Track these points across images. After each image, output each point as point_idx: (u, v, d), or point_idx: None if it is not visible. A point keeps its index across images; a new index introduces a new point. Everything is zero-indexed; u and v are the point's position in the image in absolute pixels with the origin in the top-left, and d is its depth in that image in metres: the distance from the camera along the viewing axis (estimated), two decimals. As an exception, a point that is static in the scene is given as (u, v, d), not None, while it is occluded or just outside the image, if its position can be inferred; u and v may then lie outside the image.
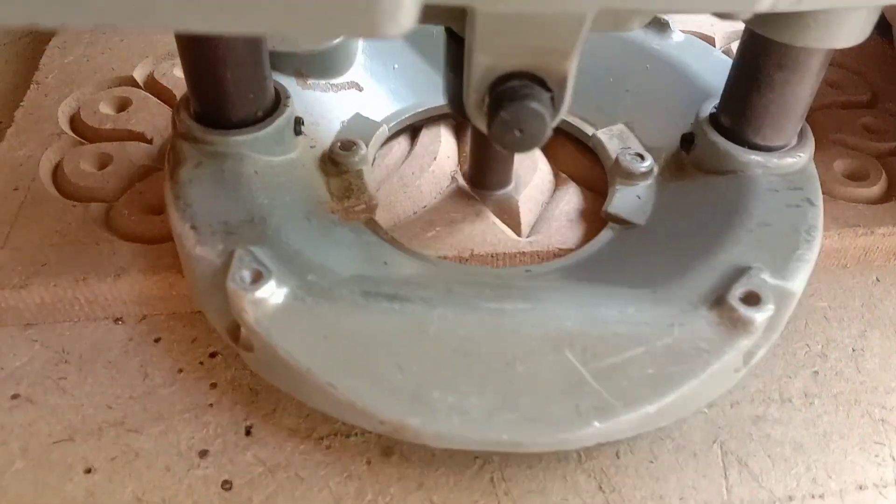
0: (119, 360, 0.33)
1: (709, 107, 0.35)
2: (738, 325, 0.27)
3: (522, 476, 0.30)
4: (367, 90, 0.40)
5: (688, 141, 0.35)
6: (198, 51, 0.31)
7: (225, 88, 0.31)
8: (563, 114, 0.26)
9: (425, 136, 0.41)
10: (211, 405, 0.32)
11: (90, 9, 0.18)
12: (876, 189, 0.39)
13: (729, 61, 0.38)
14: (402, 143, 0.41)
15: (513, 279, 0.31)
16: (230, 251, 0.28)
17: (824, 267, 0.38)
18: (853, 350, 0.35)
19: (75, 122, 0.42)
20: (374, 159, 0.38)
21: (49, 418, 0.31)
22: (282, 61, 0.38)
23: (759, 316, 0.27)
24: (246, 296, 0.27)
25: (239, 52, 0.31)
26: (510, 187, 0.38)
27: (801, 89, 0.31)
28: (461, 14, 0.24)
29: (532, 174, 0.39)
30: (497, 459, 0.30)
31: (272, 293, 0.27)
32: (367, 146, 0.36)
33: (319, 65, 0.39)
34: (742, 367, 0.29)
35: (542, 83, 0.25)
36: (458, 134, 0.42)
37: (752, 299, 0.28)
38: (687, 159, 0.35)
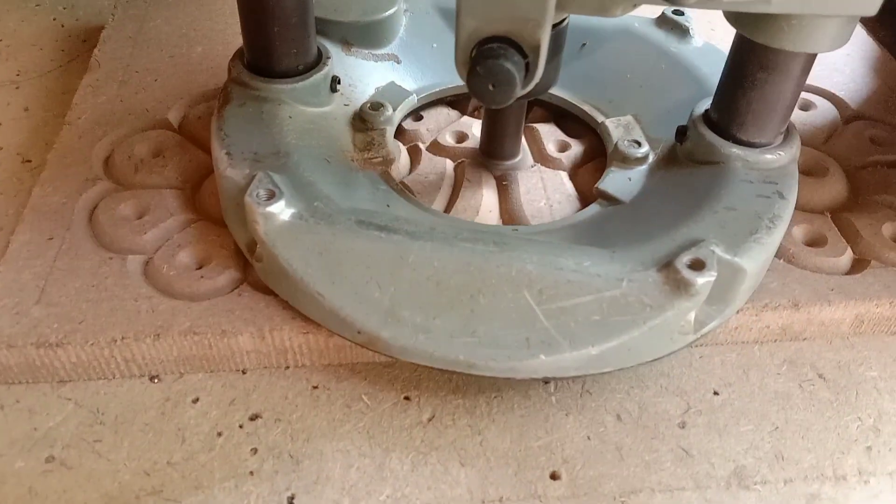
0: (156, 422, 0.33)
1: (704, 104, 0.38)
2: (680, 286, 0.30)
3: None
4: (405, 63, 0.44)
5: (681, 133, 0.38)
6: (252, 6, 0.35)
7: (271, 41, 0.36)
8: (537, 79, 0.30)
9: (467, 187, 0.40)
10: (251, 473, 0.31)
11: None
12: (926, 255, 0.38)
13: None
14: (445, 189, 0.41)
15: (500, 236, 0.34)
16: (254, 175, 0.33)
17: (873, 334, 0.37)
18: (906, 424, 0.34)
19: (109, 166, 0.41)
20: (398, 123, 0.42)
21: (85, 485, 0.30)
22: (330, 29, 0.42)
23: (700, 280, 0.30)
24: (258, 209, 0.31)
25: (286, 10, 0.35)
26: (518, 158, 0.42)
27: (782, 90, 0.34)
28: None
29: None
30: (547, 538, 0.29)
31: (281, 211, 0.32)
32: (394, 110, 0.40)
33: (364, 35, 0.43)
34: (692, 332, 0.32)
35: (519, 49, 0.29)
36: (500, 185, 0.42)
37: (696, 265, 0.31)
38: (680, 150, 0.38)
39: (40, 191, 0.39)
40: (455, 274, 0.31)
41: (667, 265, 0.31)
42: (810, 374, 0.35)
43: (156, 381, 0.34)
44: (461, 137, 0.43)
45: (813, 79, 0.46)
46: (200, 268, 0.35)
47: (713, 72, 0.41)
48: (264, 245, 0.32)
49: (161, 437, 0.32)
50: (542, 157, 0.42)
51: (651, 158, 0.39)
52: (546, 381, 0.34)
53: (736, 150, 0.35)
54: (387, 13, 0.43)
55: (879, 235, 0.38)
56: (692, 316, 0.31)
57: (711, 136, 0.36)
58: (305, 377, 0.34)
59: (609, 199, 0.37)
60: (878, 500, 0.31)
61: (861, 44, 0.53)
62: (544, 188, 0.40)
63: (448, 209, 0.39)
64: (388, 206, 0.35)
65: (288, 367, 0.35)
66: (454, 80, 0.44)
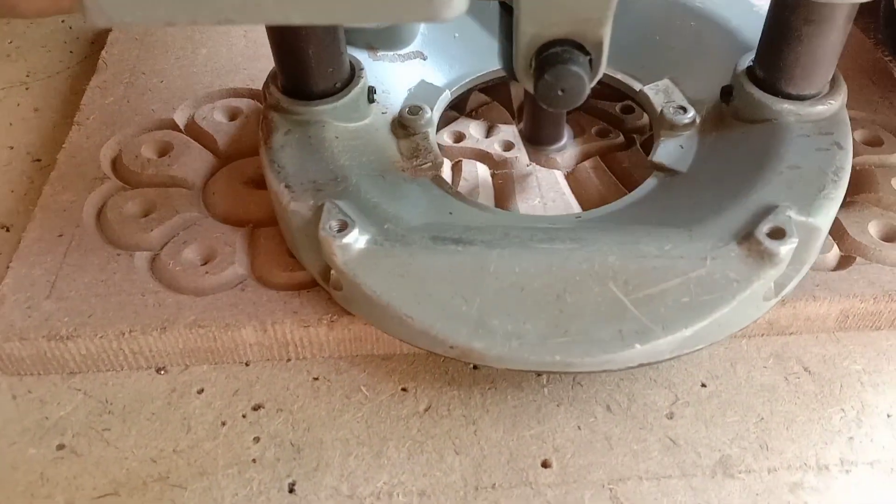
0: (162, 412, 0.34)
1: (746, 60, 0.37)
2: (764, 257, 0.30)
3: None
4: (431, 58, 0.44)
5: (727, 93, 0.38)
6: (284, 32, 0.35)
7: (308, 64, 0.36)
8: (601, 74, 0.30)
9: (463, 187, 0.42)
10: (254, 460, 0.32)
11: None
12: (910, 251, 0.39)
13: None
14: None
15: (564, 224, 0.34)
16: (319, 205, 0.33)
17: (858, 329, 0.38)
18: (888, 416, 0.35)
19: (117, 165, 0.43)
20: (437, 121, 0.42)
21: (94, 471, 0.32)
22: (355, 36, 0.42)
23: (784, 248, 0.30)
24: (334, 242, 0.31)
25: (319, 31, 0.35)
26: (563, 142, 0.43)
27: (829, 41, 0.34)
28: None
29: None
30: (538, 523, 0.30)
31: (356, 239, 0.32)
32: (431, 110, 0.39)
33: (387, 38, 0.43)
34: (773, 296, 0.32)
35: (581, 48, 0.28)
36: (496, 183, 0.43)
37: (777, 234, 0.31)
38: (726, 110, 0.38)
39: (50, 189, 0.41)
40: (538, 277, 0.31)
41: (747, 237, 0.31)
42: (796, 367, 0.37)
43: (162, 372, 0.35)
44: (458, 137, 0.45)
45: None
46: (205, 264, 0.36)
47: (744, 23, 0.41)
48: (344, 276, 0.32)
49: (167, 426, 0.33)
50: (537, 158, 0.44)
51: (697, 122, 0.39)
52: (539, 373, 0.35)
53: (788, 106, 0.35)
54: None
55: (865, 233, 0.39)
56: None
57: (760, 94, 0.36)
58: (306, 369, 0.36)
59: (666, 171, 0.37)
60: (859, 489, 0.32)
61: (849, 42, 0.54)
62: (538, 187, 0.41)
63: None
64: (450, 213, 0.35)
65: (289, 360, 0.36)
66: (482, 68, 0.44)
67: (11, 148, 0.47)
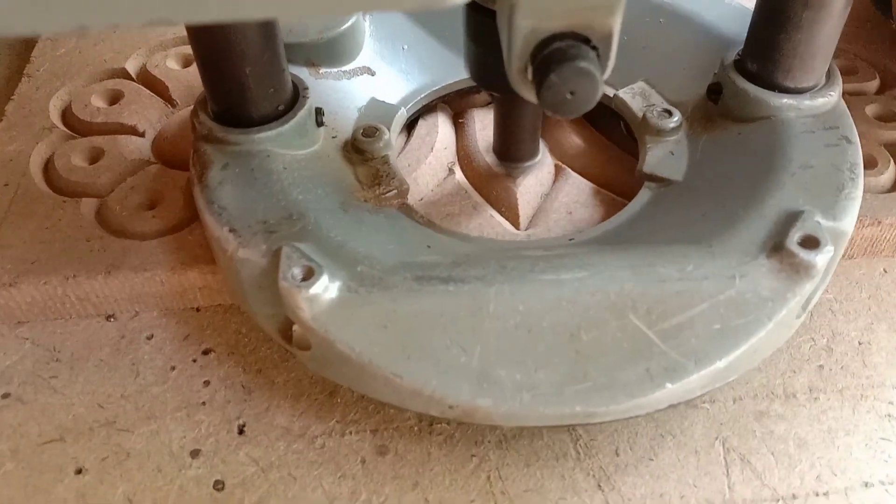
0: (110, 359, 0.33)
1: (733, 54, 0.34)
2: (799, 269, 0.27)
3: (519, 474, 0.29)
4: (380, 74, 0.39)
5: (714, 91, 0.35)
6: (215, 49, 0.30)
7: (245, 85, 0.31)
8: (609, 72, 0.25)
9: (422, 126, 0.40)
10: (203, 403, 0.31)
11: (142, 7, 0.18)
12: (884, 178, 0.38)
13: (741, 7, 0.38)
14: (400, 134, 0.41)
15: (558, 248, 0.31)
16: (274, 250, 0.28)
17: (830, 258, 0.37)
18: (859, 343, 0.34)
19: (67, 115, 0.41)
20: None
21: (40, 418, 0.31)
22: (292, 52, 0.36)
23: (821, 259, 0.27)
24: (300, 293, 0.26)
25: (257, 46, 0.30)
26: (538, 158, 0.38)
27: (829, 28, 0.31)
28: None
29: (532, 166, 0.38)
30: (493, 457, 0.30)
31: (325, 288, 0.27)
32: (388, 130, 0.35)
33: (330, 52, 0.38)
34: (802, 313, 0.29)
35: (587, 41, 0.24)
36: (457, 123, 0.41)
37: (810, 242, 0.28)
38: (715, 110, 0.35)
39: (-3, 140, 0.40)
40: (546, 314, 0.27)
41: (777, 249, 0.28)
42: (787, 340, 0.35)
43: (112, 319, 0.34)
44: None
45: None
46: (153, 208, 0.35)
47: (716, 16, 0.39)
48: (314, 333, 0.27)
49: (115, 373, 0.33)
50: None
51: (684, 126, 0.35)
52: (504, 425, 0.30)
53: (787, 100, 0.33)
54: (348, 23, 0.38)
55: (837, 160, 0.38)
56: None
57: (755, 90, 0.33)
58: (259, 312, 0.35)
59: (659, 181, 0.34)
60: (826, 416, 0.31)
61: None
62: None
63: (400, 152, 0.39)
64: (428, 246, 0.31)
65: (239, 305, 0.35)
66: (438, 81, 0.39)
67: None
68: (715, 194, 0.32)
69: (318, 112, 0.34)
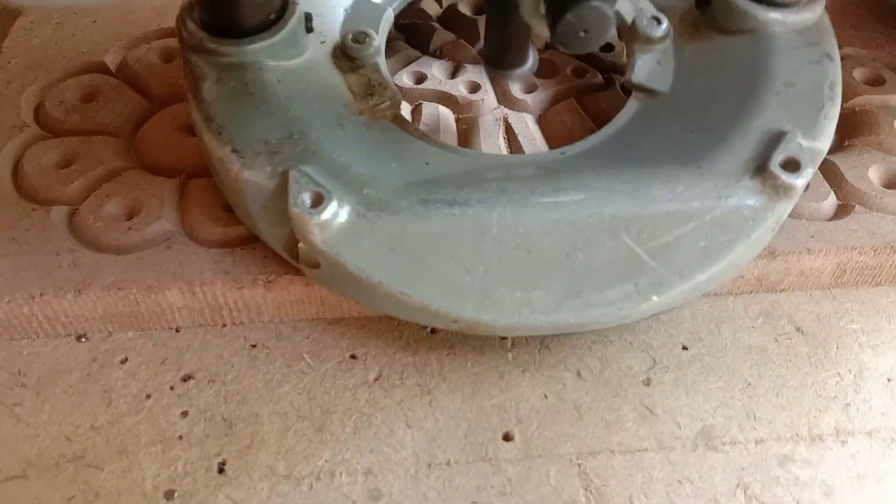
0: (80, 384, 0.30)
1: None
2: (780, 191, 0.29)
3: (525, 524, 0.27)
4: None
5: (703, 1, 0.35)
6: None
7: None
8: (615, 6, 0.26)
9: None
10: (180, 437, 0.29)
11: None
12: (914, 199, 0.35)
13: None
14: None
15: (552, 163, 0.31)
16: (280, 172, 0.28)
17: (856, 285, 0.35)
18: (888, 380, 0.32)
19: (40, 112, 0.38)
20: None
21: (1, 451, 0.28)
22: None
23: (801, 181, 0.28)
24: (311, 219, 0.27)
25: None
26: (528, 65, 0.38)
27: None
28: None
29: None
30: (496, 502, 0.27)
31: (335, 213, 0.27)
32: (377, 35, 0.34)
33: None
34: (775, 227, 0.30)
35: None
36: (460, 129, 0.39)
37: (791, 165, 0.29)
38: (701, 19, 0.35)
39: (-38, 139, 0.36)
40: (545, 235, 0.28)
41: (760, 169, 0.29)
42: (787, 327, 0.33)
43: (83, 340, 0.32)
44: (420, 78, 0.40)
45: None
46: (130, 219, 0.33)
47: None
48: (325, 255, 0.28)
49: (85, 400, 0.30)
50: (505, 100, 0.40)
51: (671, 33, 0.35)
52: (503, 336, 0.32)
53: (773, 14, 0.33)
54: None
55: (865, 179, 0.36)
56: None
57: (744, 2, 0.33)
58: (243, 335, 0.32)
59: (646, 92, 0.34)
60: (855, 461, 0.29)
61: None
62: (506, 131, 0.38)
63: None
64: (426, 163, 0.31)
65: (225, 325, 0.32)
66: None
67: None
68: (701, 109, 0.32)
69: (308, 18, 0.33)
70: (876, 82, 0.41)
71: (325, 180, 0.28)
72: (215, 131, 0.29)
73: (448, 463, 0.28)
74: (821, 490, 0.28)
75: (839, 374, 0.32)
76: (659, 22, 0.35)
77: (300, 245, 0.29)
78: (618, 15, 0.36)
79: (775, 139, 0.30)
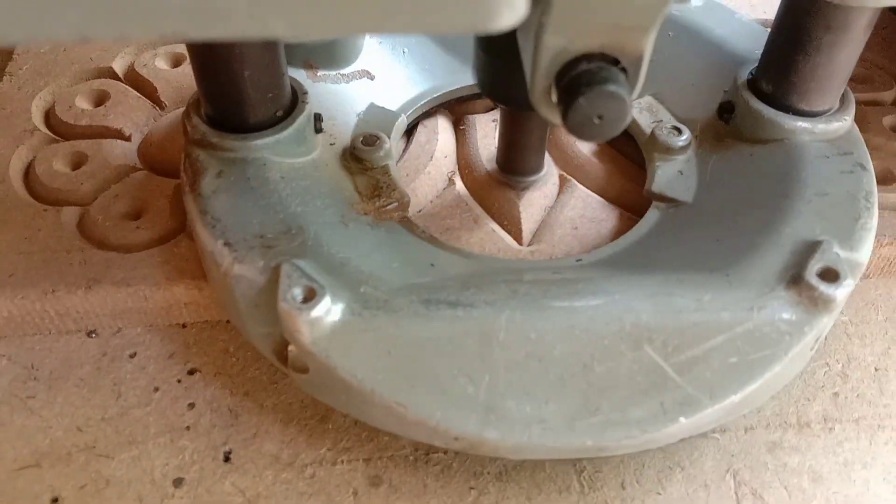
0: (91, 378, 0.31)
1: (745, 73, 0.34)
2: (818, 303, 0.27)
3: (520, 509, 0.28)
4: (379, 78, 0.38)
5: (726, 110, 0.34)
6: (212, 50, 0.28)
7: (243, 89, 0.29)
8: (637, 94, 0.24)
9: (422, 133, 0.39)
10: (188, 428, 0.30)
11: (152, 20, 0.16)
12: (901, 194, 0.36)
13: (754, 24, 0.37)
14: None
15: (567, 271, 0.30)
16: (272, 266, 0.27)
17: (845, 278, 0.36)
18: (876, 370, 0.32)
19: (50, 117, 0.40)
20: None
21: (15, 441, 0.29)
22: (290, 52, 0.34)
23: (840, 293, 0.26)
24: (301, 316, 0.25)
25: (257, 48, 0.28)
26: (543, 172, 0.37)
27: (849, 51, 0.30)
28: None
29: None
30: (493, 490, 0.28)
31: (327, 310, 0.25)
32: (388, 138, 0.34)
33: (329, 54, 0.37)
34: (815, 345, 0.28)
35: (616, 63, 0.22)
36: (457, 129, 0.40)
37: (829, 275, 0.27)
38: (725, 129, 0.34)
39: (-25, 143, 0.38)
40: (558, 343, 0.26)
41: (795, 280, 0.27)
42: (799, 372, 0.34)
43: (93, 336, 0.33)
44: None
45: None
46: (137, 218, 0.34)
47: (727, 32, 0.37)
48: (314, 357, 0.26)
49: (96, 393, 0.31)
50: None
51: (693, 144, 0.34)
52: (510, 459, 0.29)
53: (801, 124, 0.32)
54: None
55: (854, 175, 0.37)
56: None
57: (769, 111, 0.32)
58: (248, 330, 0.33)
59: (668, 202, 0.33)
60: (843, 448, 0.30)
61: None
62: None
63: (399, 159, 0.37)
64: (432, 264, 0.29)
65: (230, 321, 0.33)
66: (439, 88, 0.38)
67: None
68: (728, 218, 0.31)
69: (317, 118, 0.33)
70: (865, 80, 0.42)
71: (319, 276, 0.26)
72: (209, 224, 0.28)
73: (446, 451, 0.29)
74: (809, 476, 0.29)
75: (827, 363, 0.33)
76: (679, 132, 0.34)
77: (289, 348, 0.27)
78: (635, 125, 0.35)
79: (810, 248, 0.28)
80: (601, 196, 0.36)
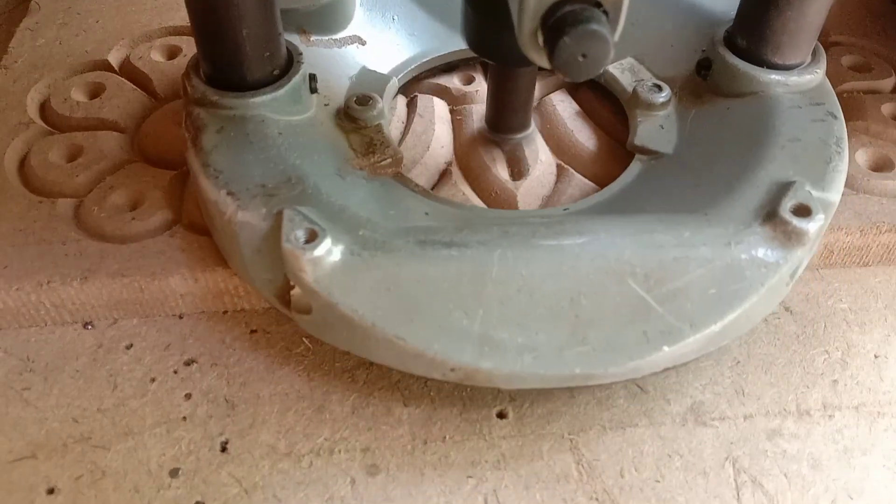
0: (87, 369, 0.31)
1: (722, 31, 0.35)
2: (792, 237, 0.28)
3: (518, 497, 0.28)
4: (370, 43, 0.39)
5: (704, 67, 0.35)
6: (211, 9, 0.29)
7: (241, 47, 0.30)
8: (618, 35, 0.25)
9: (418, 123, 0.38)
10: (184, 418, 0.30)
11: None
12: (901, 181, 0.36)
13: None
14: (396, 123, 0.39)
15: (556, 217, 0.31)
16: (274, 213, 0.28)
17: (844, 265, 0.36)
18: (875, 357, 0.32)
19: (45, 109, 0.39)
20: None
21: (10, 433, 0.29)
22: (284, 18, 0.35)
23: (812, 226, 0.28)
24: (303, 255, 0.26)
25: (254, 7, 0.29)
26: (529, 130, 0.38)
27: (818, 5, 0.31)
28: None
29: (534, 165, 0.36)
30: (491, 478, 0.28)
31: (328, 250, 0.27)
32: (381, 99, 0.35)
33: (321, 20, 0.38)
34: (790, 280, 0.29)
35: (598, 5, 0.24)
36: (454, 120, 0.40)
37: (802, 211, 0.28)
38: (704, 85, 0.35)
39: (-29, 136, 0.37)
40: (548, 279, 0.27)
41: (770, 216, 0.28)
42: (776, 307, 0.34)
43: (89, 327, 0.33)
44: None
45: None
46: (133, 209, 0.34)
47: None
48: (317, 295, 0.27)
49: (92, 384, 0.31)
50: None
51: (673, 100, 0.36)
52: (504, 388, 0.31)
53: (775, 77, 0.33)
54: None
55: (853, 162, 0.36)
56: None
57: (745, 66, 0.33)
58: (244, 321, 0.33)
59: (649, 154, 0.34)
60: (842, 435, 0.30)
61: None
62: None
63: (398, 144, 0.37)
64: (426, 213, 0.31)
65: (226, 312, 0.33)
66: (428, 53, 0.40)
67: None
68: (706, 165, 0.32)
69: (312, 78, 0.33)
70: (863, 69, 0.42)
71: (320, 220, 0.27)
72: (211, 176, 0.29)
73: (444, 439, 0.29)
74: (808, 463, 0.29)
75: (827, 351, 0.33)
76: (660, 89, 0.36)
77: (292, 291, 0.28)
78: (617, 84, 0.37)
79: (784, 188, 0.29)
80: (598, 185, 0.36)
